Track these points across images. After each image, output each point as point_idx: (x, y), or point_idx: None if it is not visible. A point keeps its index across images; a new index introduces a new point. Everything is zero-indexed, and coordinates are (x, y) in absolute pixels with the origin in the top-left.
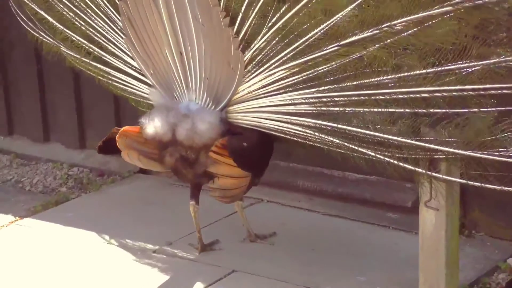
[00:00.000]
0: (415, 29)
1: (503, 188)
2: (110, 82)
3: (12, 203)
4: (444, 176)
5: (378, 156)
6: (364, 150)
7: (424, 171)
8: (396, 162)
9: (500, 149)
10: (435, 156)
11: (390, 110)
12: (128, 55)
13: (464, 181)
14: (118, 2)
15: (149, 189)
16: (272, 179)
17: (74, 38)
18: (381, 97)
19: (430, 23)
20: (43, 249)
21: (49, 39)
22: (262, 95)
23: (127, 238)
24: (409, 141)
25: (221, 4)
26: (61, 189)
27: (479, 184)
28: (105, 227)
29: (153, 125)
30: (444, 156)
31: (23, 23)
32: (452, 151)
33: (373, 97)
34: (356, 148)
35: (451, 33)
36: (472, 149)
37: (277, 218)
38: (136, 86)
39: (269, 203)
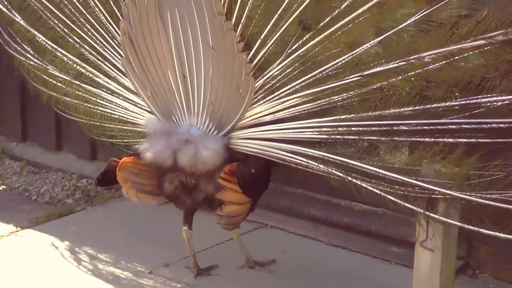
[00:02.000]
0: (444, 62)
1: (497, 234)
2: (97, 107)
3: (16, 212)
4: (440, 217)
5: (377, 191)
6: (365, 185)
7: (421, 210)
8: (394, 198)
9: (495, 192)
10: (433, 196)
11: (412, 139)
12: (123, 76)
13: (460, 224)
14: (119, 22)
15: (154, 207)
16: (279, 205)
17: (65, 58)
18: (404, 127)
19: (461, 56)
20: (38, 263)
21: (37, 61)
22: (270, 122)
23: (125, 256)
24: (406, 179)
25: (238, 29)
26: (68, 200)
27: (475, 228)
28: (105, 243)
29: (153, 151)
30: (441, 196)
31: (7, 47)
32: (444, 191)
33: (395, 127)
34: (358, 182)
35: (482, 67)
36: (465, 191)
37: (280, 245)
38: (128, 110)
39: (273, 228)
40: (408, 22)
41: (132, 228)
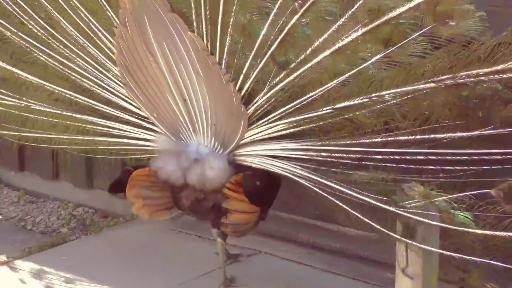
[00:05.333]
0: (401, 99)
1: (472, 258)
2: (99, 139)
3: (9, 243)
4: (419, 244)
5: (358, 215)
6: (347, 208)
7: (399, 237)
8: (373, 223)
9: None
10: (411, 221)
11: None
12: (126, 101)
13: (439, 250)
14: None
15: (148, 234)
16: (272, 230)
17: (57, 90)
18: (377, 156)
19: (415, 95)
20: None
21: (16, 101)
22: (267, 142)
23: (115, 285)
24: (380, 204)
25: (223, 61)
26: (63, 229)
27: (455, 254)
28: (96, 273)
29: (165, 171)
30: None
31: None
32: (416, 218)
33: (368, 155)
34: (338, 202)
35: (436, 105)
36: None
37: (273, 272)
38: (132, 132)
39: (266, 255)
40: (367, 63)
41: (124, 258)
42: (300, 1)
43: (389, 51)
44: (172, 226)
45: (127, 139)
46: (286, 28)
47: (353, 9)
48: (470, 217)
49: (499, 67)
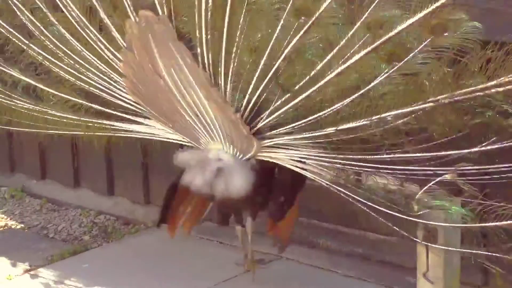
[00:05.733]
0: (401, 120)
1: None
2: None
3: (31, 251)
4: (440, 246)
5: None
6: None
7: (420, 240)
8: (394, 226)
9: None
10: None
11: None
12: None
13: (462, 249)
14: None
15: (170, 241)
16: (293, 236)
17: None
18: (389, 171)
19: (414, 115)
20: None
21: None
22: (283, 148)
23: None
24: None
25: (228, 86)
26: (84, 237)
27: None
28: (118, 281)
29: (195, 186)
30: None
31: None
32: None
33: (382, 170)
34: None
35: (435, 124)
36: None
37: (294, 278)
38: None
39: (288, 260)
40: (374, 82)
41: (145, 265)
42: (303, 19)
43: (395, 68)
44: (194, 233)
45: (146, 135)
46: (288, 49)
47: (353, 30)
48: (463, 211)
49: (493, 82)
